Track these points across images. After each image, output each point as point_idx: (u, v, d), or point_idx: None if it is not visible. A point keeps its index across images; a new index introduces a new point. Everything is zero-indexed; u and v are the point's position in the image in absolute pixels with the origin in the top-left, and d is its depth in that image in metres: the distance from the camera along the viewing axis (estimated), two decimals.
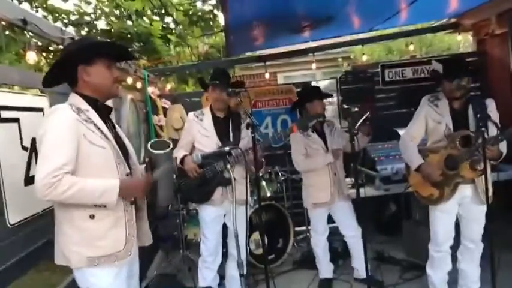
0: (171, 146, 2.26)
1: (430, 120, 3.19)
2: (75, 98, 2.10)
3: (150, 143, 2.20)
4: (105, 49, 2.18)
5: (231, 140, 3.35)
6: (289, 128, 3.25)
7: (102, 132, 2.08)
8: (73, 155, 1.93)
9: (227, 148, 3.05)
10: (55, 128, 1.94)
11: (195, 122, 3.41)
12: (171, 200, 2.30)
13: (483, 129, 2.81)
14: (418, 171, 3.14)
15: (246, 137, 3.41)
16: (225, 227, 3.48)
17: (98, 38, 2.29)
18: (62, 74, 2.16)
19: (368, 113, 3.57)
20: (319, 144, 3.80)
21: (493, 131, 2.91)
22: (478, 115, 2.99)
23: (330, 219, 3.96)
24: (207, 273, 3.44)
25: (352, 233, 3.84)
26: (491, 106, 3.09)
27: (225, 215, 3.41)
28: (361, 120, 3.50)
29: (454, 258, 3.28)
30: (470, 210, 3.10)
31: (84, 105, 2.09)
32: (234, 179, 2.88)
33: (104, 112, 2.19)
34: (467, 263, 3.17)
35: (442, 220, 3.15)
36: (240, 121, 3.48)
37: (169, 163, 2.27)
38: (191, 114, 3.51)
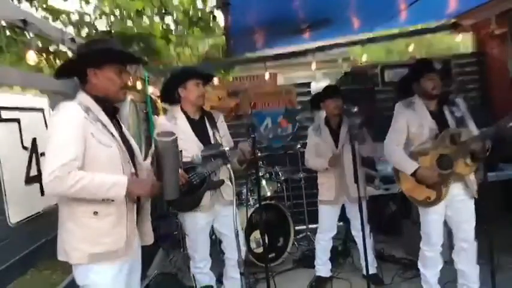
0: (176, 134, 2.27)
1: (411, 125, 3.18)
2: (84, 97, 2.13)
3: (154, 132, 2.22)
4: (116, 56, 2.19)
5: (212, 140, 3.20)
6: (278, 122, 3.22)
7: (109, 131, 2.11)
8: (80, 152, 1.95)
9: (227, 148, 3.03)
10: (63, 125, 1.96)
11: (168, 127, 3.10)
12: (177, 193, 2.30)
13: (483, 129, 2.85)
14: (414, 175, 3.11)
15: (226, 135, 3.34)
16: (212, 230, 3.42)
17: (111, 40, 2.30)
18: (73, 72, 2.21)
19: (361, 120, 3.61)
20: (328, 143, 3.82)
21: (472, 128, 3.04)
22: (456, 114, 3.07)
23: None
24: (201, 277, 3.39)
25: (355, 233, 3.89)
26: (462, 105, 3.17)
27: (213, 219, 3.31)
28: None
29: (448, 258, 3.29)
30: (459, 209, 3.10)
31: (92, 104, 2.11)
32: (223, 181, 2.85)
33: (111, 112, 2.21)
34: (464, 264, 3.17)
35: (434, 221, 3.15)
36: (215, 120, 3.34)
37: (175, 152, 2.27)
38: (162, 118, 3.31)
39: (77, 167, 1.91)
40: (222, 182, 3.20)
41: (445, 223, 3.21)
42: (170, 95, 3.29)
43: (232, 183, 2.69)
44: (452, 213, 3.12)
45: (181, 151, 3.01)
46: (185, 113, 3.25)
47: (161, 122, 3.27)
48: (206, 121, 3.29)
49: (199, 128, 3.22)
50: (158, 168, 2.23)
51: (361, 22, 4.73)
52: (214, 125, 3.29)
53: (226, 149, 2.98)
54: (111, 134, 2.11)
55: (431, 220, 3.16)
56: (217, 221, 3.31)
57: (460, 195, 3.10)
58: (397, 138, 3.23)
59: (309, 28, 4.44)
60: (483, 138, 2.90)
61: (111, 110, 2.22)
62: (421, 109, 3.17)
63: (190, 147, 3.07)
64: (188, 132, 3.17)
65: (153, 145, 2.44)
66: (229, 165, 2.94)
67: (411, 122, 3.17)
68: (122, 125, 2.34)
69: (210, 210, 3.21)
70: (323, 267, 4.01)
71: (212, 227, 3.38)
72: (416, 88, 3.22)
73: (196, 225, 3.23)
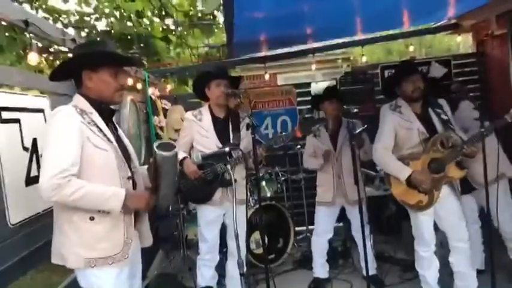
0: (177, 148, 2.26)
1: (399, 129, 3.17)
2: (79, 100, 2.12)
3: (155, 144, 2.21)
4: (110, 58, 2.18)
5: (231, 141, 3.30)
6: (292, 131, 3.24)
7: (105, 135, 2.10)
8: (78, 156, 1.94)
9: (227, 149, 3.05)
10: (60, 129, 1.95)
11: (193, 122, 3.34)
12: (172, 201, 2.30)
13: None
14: (408, 180, 3.08)
15: (245, 138, 3.37)
16: (223, 226, 3.49)
17: (106, 42, 2.30)
18: (68, 74, 2.22)
19: (364, 126, 3.60)
20: (327, 145, 3.81)
21: (458, 130, 3.07)
22: (442, 116, 3.08)
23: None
24: (205, 270, 3.44)
25: (355, 234, 3.88)
26: (446, 106, 3.18)
27: (224, 214, 3.40)
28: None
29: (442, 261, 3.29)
30: (449, 209, 3.10)
31: (88, 107, 2.11)
32: (235, 180, 2.89)
33: (106, 114, 2.20)
34: (462, 265, 3.16)
35: (425, 222, 3.16)
36: (239, 121, 3.42)
37: (173, 166, 2.27)
38: (189, 113, 3.43)
39: (75, 172, 1.91)
40: (234, 181, 3.21)
41: (437, 228, 3.21)
42: (201, 95, 3.48)
43: (232, 184, 2.71)
44: (443, 213, 3.12)
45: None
46: (211, 111, 3.39)
47: (188, 117, 3.40)
48: (230, 121, 3.39)
49: (221, 127, 3.35)
50: (155, 180, 2.22)
51: (364, 30, 4.72)
52: (237, 126, 3.40)
53: (227, 149, 3.01)
54: (107, 137, 2.10)
55: (422, 221, 3.16)
56: (228, 217, 3.40)
57: (448, 195, 3.10)
58: (386, 143, 3.21)
59: (312, 39, 4.45)
60: (475, 142, 2.91)
61: (107, 112, 2.21)
62: (408, 112, 3.17)
63: (209, 144, 3.25)
64: (210, 130, 3.31)
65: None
66: (229, 166, 2.96)
67: (399, 125, 3.17)
68: (118, 128, 2.33)
69: (221, 205, 3.32)
70: (321, 269, 4.00)
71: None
72: (399, 91, 3.23)
73: (206, 217, 3.36)
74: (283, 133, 3.36)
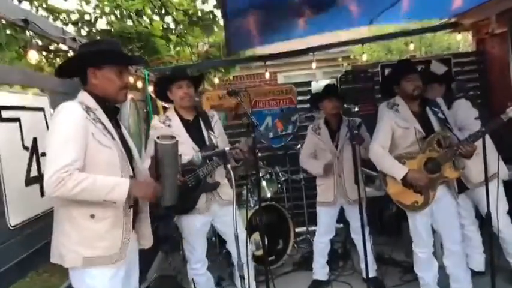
0: (176, 138, 2.25)
1: (396, 128, 3.15)
2: (85, 96, 2.12)
3: (155, 135, 2.20)
4: (115, 57, 2.18)
5: (207, 142, 3.18)
6: (274, 123, 3.20)
7: (109, 132, 2.10)
8: (82, 152, 1.94)
9: (227, 148, 3.00)
10: (65, 125, 1.95)
11: (163, 129, 3.12)
12: (176, 198, 2.28)
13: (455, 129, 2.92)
14: (404, 179, 3.06)
15: (221, 134, 3.30)
16: (214, 230, 3.40)
17: (112, 41, 2.32)
18: (73, 71, 2.22)
19: (359, 121, 3.60)
20: (327, 145, 3.79)
21: (455, 129, 3.07)
22: (439, 115, 3.07)
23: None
24: (198, 277, 3.36)
25: (355, 236, 3.86)
26: (443, 105, 3.19)
27: (212, 220, 3.29)
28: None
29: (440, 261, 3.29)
30: (445, 211, 3.10)
31: (93, 104, 2.11)
32: (219, 183, 2.80)
33: (111, 112, 2.20)
34: (456, 267, 3.15)
35: (422, 223, 3.15)
36: (209, 120, 3.31)
37: (175, 156, 2.25)
38: (155, 121, 3.25)
39: (78, 167, 1.90)
40: (218, 184, 3.19)
41: (433, 229, 3.21)
42: (166, 99, 3.36)
43: (232, 184, 2.65)
44: (438, 214, 3.11)
45: (180, 155, 2.99)
46: (179, 114, 3.24)
47: (155, 125, 3.22)
48: (201, 122, 3.26)
49: (193, 130, 3.21)
50: (157, 172, 2.20)
51: (361, 10, 4.63)
52: (209, 126, 3.27)
53: (227, 148, 2.96)
54: (111, 134, 2.10)
55: (420, 221, 3.15)
56: (218, 221, 3.29)
57: (445, 196, 3.10)
58: (383, 142, 3.19)
59: (307, 12, 4.34)
60: (471, 142, 2.91)
61: (112, 110, 2.21)
62: (405, 111, 3.15)
63: (185, 149, 3.04)
64: (182, 134, 3.13)
65: (151, 148, 2.41)
66: (229, 166, 2.92)
67: (396, 124, 3.15)
68: (122, 126, 2.33)
69: (206, 211, 3.19)
70: (320, 270, 3.99)
71: (212, 228, 3.37)
72: (398, 89, 3.22)
73: (193, 226, 3.21)
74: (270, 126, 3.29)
